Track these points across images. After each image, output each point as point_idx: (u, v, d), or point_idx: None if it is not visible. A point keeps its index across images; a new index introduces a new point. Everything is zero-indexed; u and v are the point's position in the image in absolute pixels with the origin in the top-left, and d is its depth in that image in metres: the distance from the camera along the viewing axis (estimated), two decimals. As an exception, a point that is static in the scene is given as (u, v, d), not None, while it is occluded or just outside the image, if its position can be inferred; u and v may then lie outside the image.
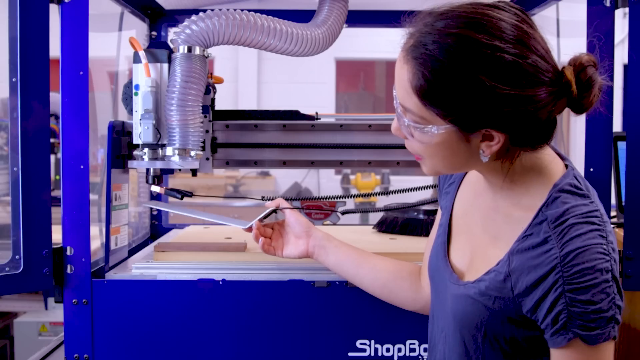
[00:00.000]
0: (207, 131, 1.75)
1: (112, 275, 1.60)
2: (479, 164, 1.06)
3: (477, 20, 0.95)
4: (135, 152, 1.61)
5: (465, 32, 0.94)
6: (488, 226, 1.14)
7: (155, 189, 1.68)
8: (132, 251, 1.92)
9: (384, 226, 1.96)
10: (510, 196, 1.10)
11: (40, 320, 3.33)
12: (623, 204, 1.98)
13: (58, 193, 1.56)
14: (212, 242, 1.73)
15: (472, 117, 0.97)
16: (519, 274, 1.02)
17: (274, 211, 1.56)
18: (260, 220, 1.53)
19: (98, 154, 2.54)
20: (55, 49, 1.52)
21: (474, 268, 1.14)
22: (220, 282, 1.56)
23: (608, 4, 1.56)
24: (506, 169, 1.07)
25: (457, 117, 0.98)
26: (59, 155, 1.59)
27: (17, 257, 1.52)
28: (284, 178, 6.36)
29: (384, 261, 1.46)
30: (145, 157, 1.59)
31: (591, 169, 1.58)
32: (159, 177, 1.69)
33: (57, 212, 1.56)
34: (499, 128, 0.98)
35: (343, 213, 1.80)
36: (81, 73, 1.53)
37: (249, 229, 1.53)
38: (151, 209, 2.32)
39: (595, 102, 1.00)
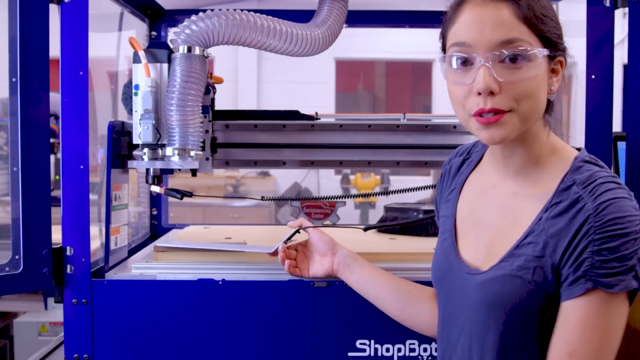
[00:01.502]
0: (206, 131, 1.75)
1: (111, 275, 1.60)
2: (541, 113, 1.15)
3: None
4: (135, 152, 1.61)
5: None
6: (506, 212, 1.17)
7: (155, 189, 1.68)
8: (132, 251, 1.92)
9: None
10: (532, 176, 1.16)
11: (40, 320, 3.33)
12: (623, 204, 1.97)
13: (58, 193, 1.56)
14: (212, 242, 1.73)
15: (557, 40, 1.12)
16: (557, 239, 1.05)
17: (297, 231, 1.55)
18: (285, 242, 1.52)
19: (98, 154, 2.54)
20: (55, 49, 1.52)
21: (494, 254, 1.14)
22: (220, 282, 1.56)
23: (608, 4, 1.56)
24: (546, 133, 1.18)
25: (551, 41, 1.11)
26: (59, 155, 1.59)
27: (16, 257, 1.52)
28: (284, 178, 6.36)
29: (407, 283, 1.44)
30: (145, 157, 1.59)
31: (591, 169, 1.58)
32: (159, 177, 1.69)
33: (57, 212, 1.56)
34: (563, 56, 1.14)
35: (365, 229, 1.77)
36: (81, 73, 1.53)
37: (275, 253, 1.52)
38: (151, 209, 2.32)
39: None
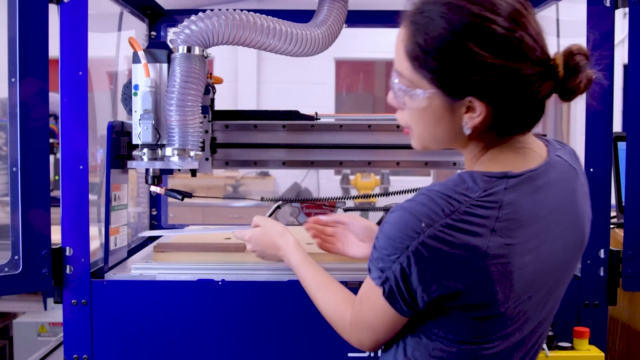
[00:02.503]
0: (206, 131, 1.75)
1: (111, 275, 1.60)
2: (462, 140, 1.07)
3: None
4: (135, 153, 1.61)
5: (458, 2, 0.99)
6: None
7: (155, 189, 1.68)
8: (132, 251, 1.92)
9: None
10: None
11: (40, 320, 3.32)
12: (623, 204, 1.98)
13: (57, 193, 1.56)
14: (212, 242, 1.73)
15: (457, 83, 0.99)
16: None
17: (279, 207, 1.57)
18: (269, 216, 1.54)
19: (97, 154, 2.53)
20: (54, 49, 1.52)
21: None
22: (220, 283, 1.55)
23: (608, 4, 1.56)
24: (481, 154, 1.08)
25: (443, 82, 1.01)
26: (58, 155, 1.59)
27: (16, 257, 1.52)
28: (284, 178, 6.35)
29: None
30: (145, 158, 1.59)
31: (591, 169, 1.58)
32: (159, 177, 1.68)
33: (56, 213, 1.55)
34: (482, 98, 1.00)
35: (345, 210, 1.80)
36: (80, 73, 1.53)
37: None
38: (150, 209, 2.32)
39: (582, 90, 1.01)
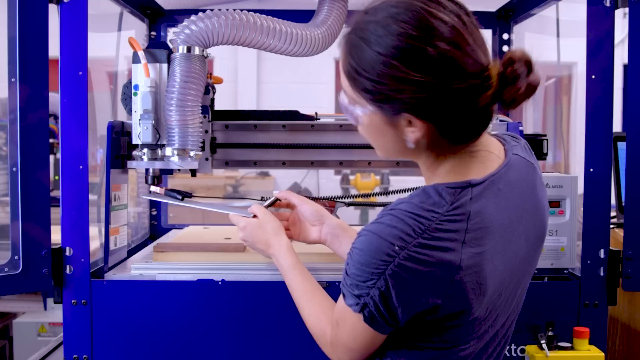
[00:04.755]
0: (206, 131, 1.75)
1: (111, 275, 1.60)
2: (412, 151, 1.08)
3: (401, 11, 0.98)
4: (135, 153, 1.61)
5: (385, 21, 0.99)
6: None
7: (155, 189, 1.68)
8: (132, 251, 1.92)
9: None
10: None
11: (40, 320, 3.32)
12: (623, 204, 1.98)
13: (57, 193, 1.56)
14: (212, 242, 1.73)
15: (391, 102, 1.01)
16: None
17: (278, 199, 1.57)
18: (266, 207, 1.53)
19: (97, 154, 2.53)
20: (54, 49, 1.52)
21: None
22: (220, 283, 1.55)
23: (608, 4, 1.56)
24: (437, 163, 1.08)
25: (378, 101, 1.02)
26: (58, 155, 1.59)
27: (16, 257, 1.52)
28: (284, 178, 6.35)
29: None
30: (145, 158, 1.59)
31: (591, 169, 1.58)
32: (158, 177, 1.68)
33: (56, 213, 1.55)
34: (418, 115, 1.00)
35: (348, 205, 1.79)
36: (80, 73, 1.53)
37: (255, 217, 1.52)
38: (150, 209, 2.32)
39: (523, 97, 1.00)
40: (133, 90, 1.58)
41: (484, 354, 1.12)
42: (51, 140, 1.83)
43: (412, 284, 0.98)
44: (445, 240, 0.98)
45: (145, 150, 1.59)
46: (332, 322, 1.13)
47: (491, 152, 1.09)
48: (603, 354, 1.53)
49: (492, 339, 1.11)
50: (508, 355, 1.60)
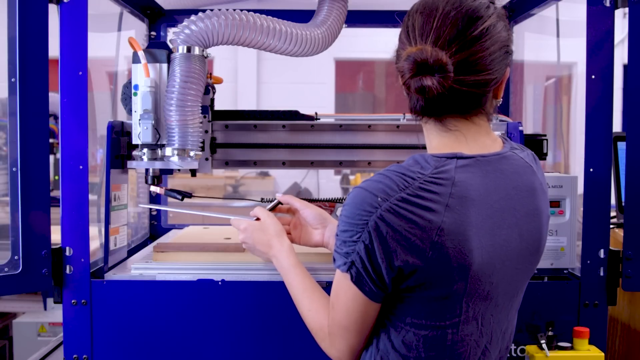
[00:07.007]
0: (206, 131, 1.75)
1: (111, 275, 1.60)
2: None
3: None
4: (135, 153, 1.61)
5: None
6: None
7: (155, 189, 1.68)
8: (132, 251, 1.92)
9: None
10: None
11: (39, 320, 3.32)
12: (623, 204, 1.98)
13: (57, 193, 1.56)
14: (212, 242, 1.73)
15: None
16: None
17: (280, 202, 1.58)
18: (270, 210, 1.54)
19: (97, 154, 2.53)
20: (54, 49, 1.52)
21: None
22: (220, 283, 1.55)
23: (608, 4, 1.56)
24: (436, 140, 1.14)
25: None
26: (58, 155, 1.59)
27: (16, 257, 1.52)
28: (284, 178, 6.35)
29: None
30: (145, 158, 1.59)
31: (591, 169, 1.58)
32: (158, 177, 1.68)
33: (56, 213, 1.55)
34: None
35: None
36: (80, 73, 1.53)
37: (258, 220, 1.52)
38: (150, 209, 2.31)
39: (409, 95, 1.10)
40: (133, 90, 1.58)
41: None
42: (51, 140, 1.83)
43: (393, 238, 1.01)
44: (428, 200, 1.02)
45: (145, 150, 1.59)
46: (329, 308, 1.15)
47: (486, 143, 1.13)
48: (603, 354, 1.53)
49: (488, 337, 1.12)
50: (508, 355, 1.60)
